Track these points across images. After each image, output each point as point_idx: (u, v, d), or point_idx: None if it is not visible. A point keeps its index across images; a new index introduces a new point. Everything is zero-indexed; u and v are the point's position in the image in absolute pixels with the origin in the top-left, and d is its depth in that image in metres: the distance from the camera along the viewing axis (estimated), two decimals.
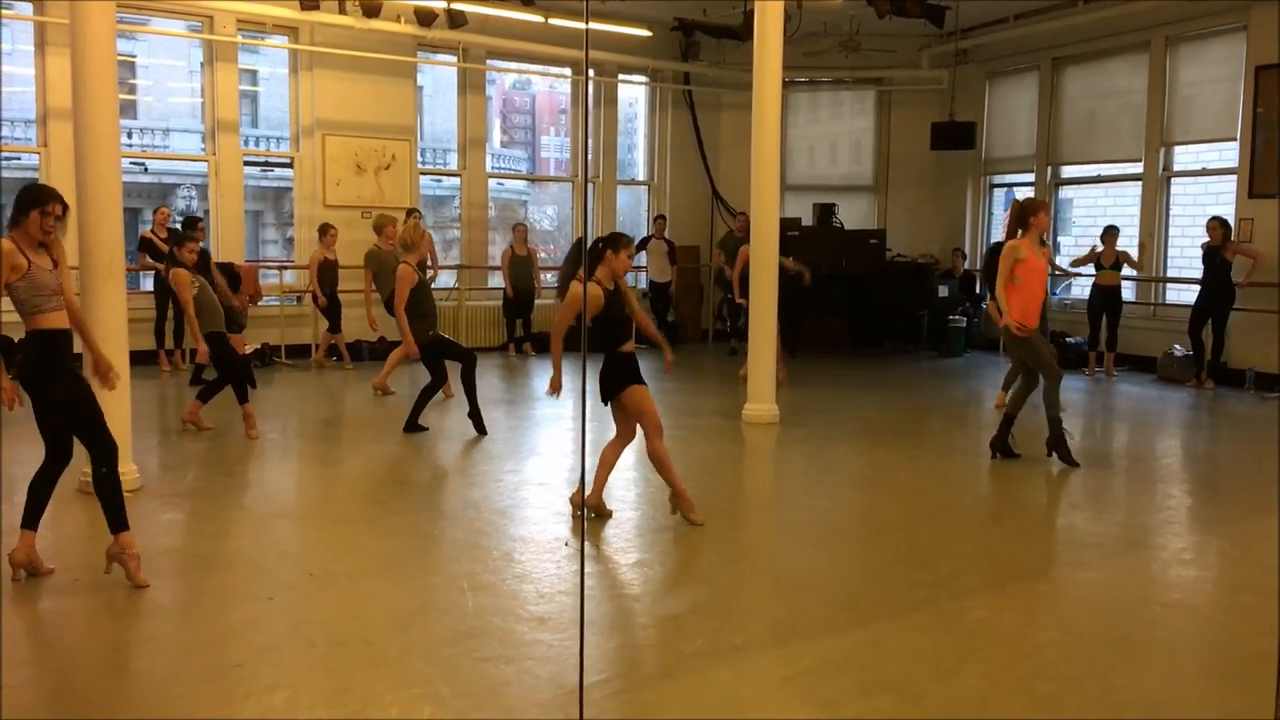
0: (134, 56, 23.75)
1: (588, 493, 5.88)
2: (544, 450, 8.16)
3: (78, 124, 6.26)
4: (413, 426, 8.42)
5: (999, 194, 15.70)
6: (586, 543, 5.60)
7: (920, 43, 14.89)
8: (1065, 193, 15.11)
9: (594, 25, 13.42)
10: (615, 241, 5.84)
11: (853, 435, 8.84)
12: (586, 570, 5.15)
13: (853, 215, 15.38)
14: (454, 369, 8.87)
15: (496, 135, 31.57)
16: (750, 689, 3.82)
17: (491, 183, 15.54)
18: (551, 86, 30.94)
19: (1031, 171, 14.66)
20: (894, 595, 4.80)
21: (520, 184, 28.87)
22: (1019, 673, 3.95)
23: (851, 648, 4.15)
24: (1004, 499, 6.91)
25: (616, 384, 5.82)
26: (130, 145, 22.02)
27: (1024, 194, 15.24)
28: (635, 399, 5.81)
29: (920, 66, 15.17)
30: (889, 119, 16.01)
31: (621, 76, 15.42)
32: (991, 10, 13.92)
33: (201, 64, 13.37)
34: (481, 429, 8.41)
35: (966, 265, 15.10)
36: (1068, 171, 14.61)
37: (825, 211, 14.67)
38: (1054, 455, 7.49)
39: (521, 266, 13.55)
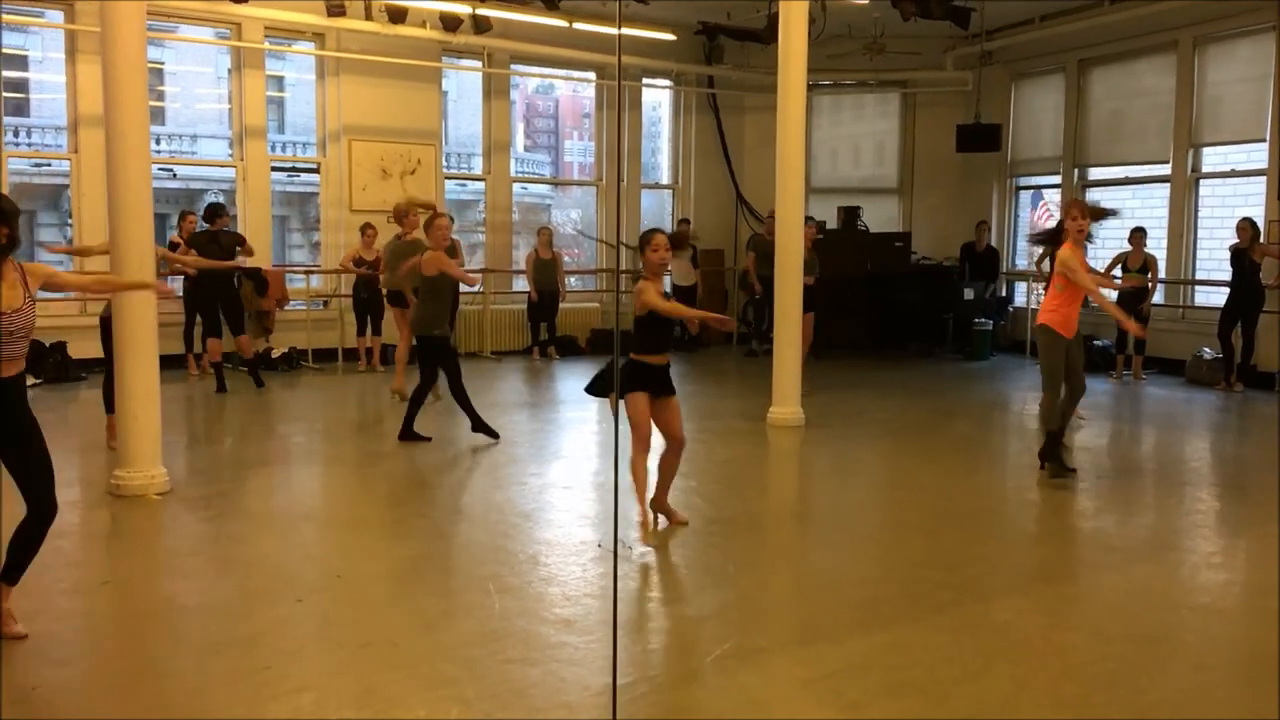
0: (162, 63, 23.99)
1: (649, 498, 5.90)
2: (568, 453, 8.18)
3: (109, 130, 6.33)
4: (408, 435, 8.06)
5: (1024, 195, 15.62)
6: (612, 544, 5.60)
7: (945, 44, 14.83)
8: (1092, 194, 14.98)
9: (619, 30, 13.45)
10: (643, 241, 5.67)
11: (877, 437, 8.81)
12: (612, 572, 5.15)
13: (877, 217, 15.33)
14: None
15: (520, 139, 31.67)
16: (775, 691, 3.82)
17: (515, 186, 15.58)
18: (575, 90, 30.99)
19: (1058, 173, 14.58)
20: (919, 597, 4.79)
21: (543, 188, 28.95)
22: (1046, 675, 3.94)
23: (876, 649, 4.14)
24: (1029, 502, 6.87)
25: (625, 386, 5.67)
26: (159, 151, 22.23)
27: (1051, 196, 15.18)
28: (629, 407, 5.63)
29: (945, 68, 15.12)
30: (914, 121, 15.95)
31: (645, 80, 15.45)
32: (1017, 11, 13.85)
33: (229, 70, 13.50)
34: (490, 433, 8.17)
35: (991, 241, 14.92)
36: (1094, 173, 14.50)
37: (850, 214, 14.65)
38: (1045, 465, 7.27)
39: (546, 270, 13.58)
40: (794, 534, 6.16)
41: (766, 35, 12.84)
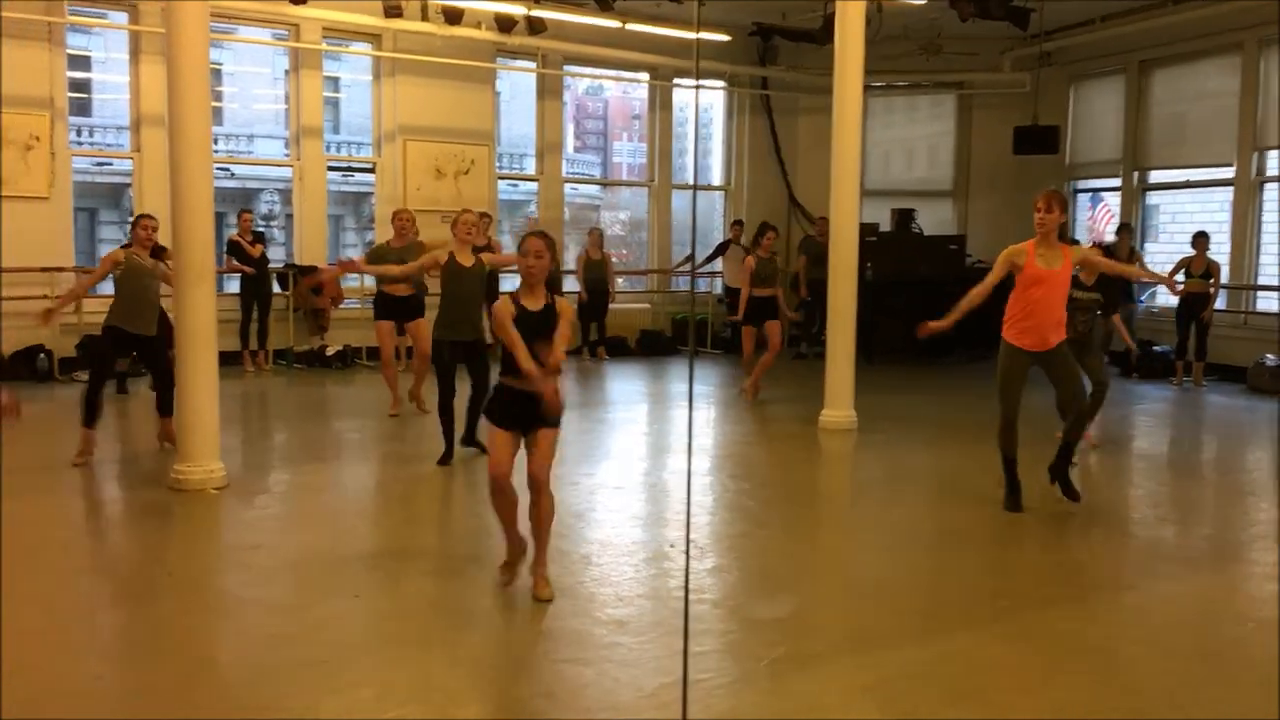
0: (220, 64, 24.37)
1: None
2: (617, 454, 8.18)
3: (173, 130, 6.42)
4: (471, 440, 7.54)
5: (1083, 199, 15.39)
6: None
7: (1003, 45, 14.65)
8: (1152, 198, 14.78)
9: (672, 31, 13.46)
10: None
11: (930, 442, 8.72)
12: (665, 573, 5.14)
13: (930, 220, 15.17)
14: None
15: (570, 140, 31.76)
16: (831, 697, 3.78)
17: (565, 187, 15.62)
18: (625, 92, 31.06)
19: (1118, 176, 14.34)
20: (976, 605, 4.72)
21: (592, 189, 29.06)
22: (1109, 687, 3.86)
23: (933, 658, 4.09)
24: (1087, 509, 6.74)
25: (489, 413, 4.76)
26: (217, 151, 22.56)
27: (1110, 199, 14.96)
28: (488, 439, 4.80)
29: (1002, 69, 14.93)
30: (970, 123, 15.77)
31: (700, 82, 15.43)
32: (1077, 12, 13.64)
33: (286, 71, 13.66)
34: (481, 448, 7.32)
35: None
36: (1155, 176, 14.26)
37: (904, 217, 14.50)
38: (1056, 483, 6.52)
39: (596, 270, 13.61)
40: (847, 539, 6.11)
41: (822, 36, 12.76)
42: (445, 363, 7.23)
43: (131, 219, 7.77)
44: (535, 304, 4.55)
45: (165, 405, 7.38)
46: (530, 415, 4.54)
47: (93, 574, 5.02)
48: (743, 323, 10.44)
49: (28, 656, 3.97)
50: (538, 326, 4.52)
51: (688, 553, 3.55)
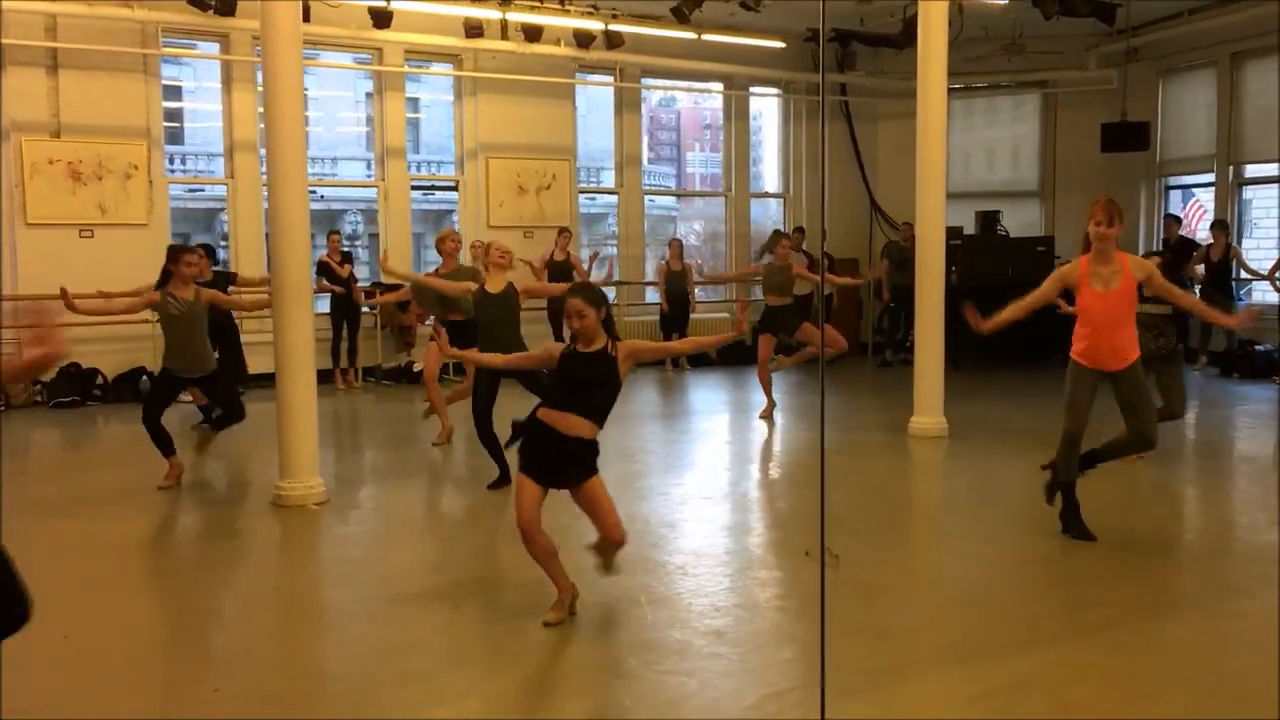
0: (305, 89, 25.00)
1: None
2: (705, 464, 8.18)
3: (269, 155, 6.63)
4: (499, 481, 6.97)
5: (1175, 195, 15.00)
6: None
7: (1088, 42, 14.36)
8: (1248, 193, 14.34)
9: (749, 40, 13.47)
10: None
11: (1024, 449, 8.52)
12: (760, 583, 5.13)
13: (1016, 222, 14.90)
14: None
15: (644, 152, 31.86)
16: (937, 707, 3.74)
17: (644, 199, 15.70)
18: (696, 102, 31.06)
19: (1210, 171, 13.96)
20: (1082, 614, 4.62)
21: (668, 200, 29.09)
22: (1223, 697, 3.76)
23: (1040, 667, 4.02)
24: (1192, 514, 6.59)
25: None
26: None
27: (1203, 195, 14.56)
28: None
29: (1088, 67, 14.63)
30: (1055, 122, 15.48)
31: (755, 89, 15.46)
32: (1165, 5, 13.33)
33: (368, 94, 13.95)
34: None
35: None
36: (1250, 171, 13.85)
37: (989, 219, 14.27)
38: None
39: (676, 281, 13.64)
40: (943, 548, 6.03)
41: (902, 40, 12.66)
42: (484, 388, 6.93)
43: (175, 252, 7.26)
44: (589, 348, 4.40)
45: (219, 423, 7.52)
46: (561, 465, 4.40)
47: (205, 590, 5.17)
48: (759, 329, 9.86)
49: (150, 671, 4.12)
50: (588, 369, 4.36)
51: (823, 558, 3.53)
